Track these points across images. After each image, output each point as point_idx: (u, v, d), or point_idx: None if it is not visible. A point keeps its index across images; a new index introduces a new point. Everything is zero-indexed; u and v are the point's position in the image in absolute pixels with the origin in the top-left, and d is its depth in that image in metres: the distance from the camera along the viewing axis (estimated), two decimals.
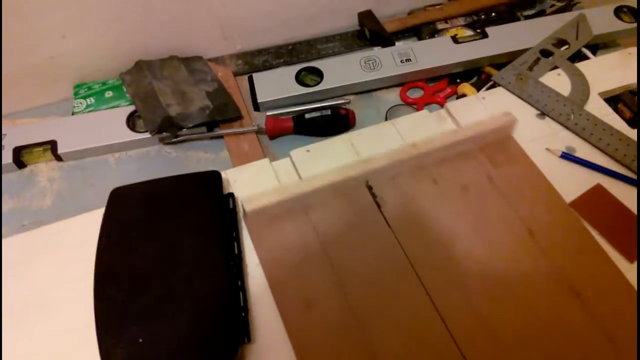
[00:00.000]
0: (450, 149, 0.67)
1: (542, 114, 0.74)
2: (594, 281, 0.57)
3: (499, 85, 0.78)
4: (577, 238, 0.61)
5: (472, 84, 0.82)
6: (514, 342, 0.53)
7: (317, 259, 0.58)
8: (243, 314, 0.53)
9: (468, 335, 0.54)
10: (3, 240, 0.61)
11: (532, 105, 0.74)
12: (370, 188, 0.64)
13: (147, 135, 0.75)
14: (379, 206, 0.63)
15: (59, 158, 0.74)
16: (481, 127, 0.69)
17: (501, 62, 0.84)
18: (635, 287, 0.57)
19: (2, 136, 0.74)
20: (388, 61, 0.83)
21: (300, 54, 0.90)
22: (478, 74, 0.85)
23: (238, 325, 0.51)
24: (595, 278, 0.58)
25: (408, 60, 0.83)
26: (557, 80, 0.78)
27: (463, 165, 0.67)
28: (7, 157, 0.72)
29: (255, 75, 0.83)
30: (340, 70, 0.82)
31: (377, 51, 0.85)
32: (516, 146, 0.69)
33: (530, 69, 0.79)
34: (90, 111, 0.78)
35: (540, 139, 0.71)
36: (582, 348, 0.53)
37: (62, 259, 0.59)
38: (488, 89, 0.79)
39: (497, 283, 0.57)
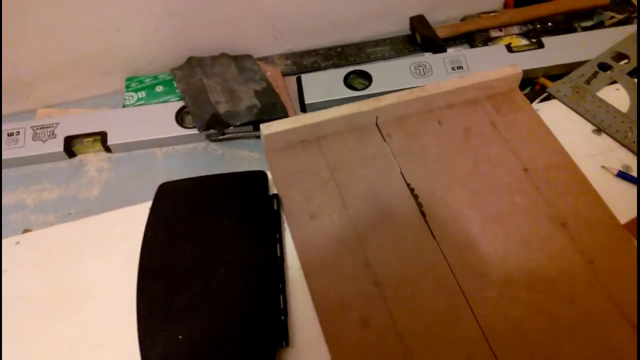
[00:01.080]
0: (456, 94, 0.70)
1: (599, 130, 0.71)
2: (579, 213, 0.61)
3: (554, 98, 0.75)
4: (567, 178, 0.65)
5: (525, 95, 0.79)
6: (499, 262, 0.57)
7: (327, 185, 0.63)
8: (282, 317, 0.52)
9: (459, 256, 0.58)
10: (50, 228, 0.62)
11: (589, 121, 0.72)
12: (378, 127, 0.68)
13: (194, 131, 0.75)
14: (385, 141, 0.67)
15: (108, 149, 0.76)
16: (487, 74, 0.71)
17: (556, 73, 0.82)
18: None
19: (55, 125, 0.75)
20: (439, 68, 0.81)
21: (350, 56, 0.89)
22: (532, 85, 0.83)
23: (277, 329, 0.51)
24: (581, 211, 0.61)
25: (460, 67, 0.81)
26: (616, 96, 0.75)
27: (468, 110, 0.71)
28: (58, 146, 0.74)
29: (303, 76, 0.83)
30: (390, 75, 0.81)
31: (427, 57, 0.84)
32: (521, 98, 0.73)
33: (588, 82, 0.76)
34: (141, 104, 0.79)
35: (595, 155, 0.68)
36: (565, 273, 0.57)
37: (106, 250, 0.60)
38: (541, 101, 0.77)
39: (491, 214, 0.61)
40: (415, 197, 0.62)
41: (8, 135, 0.75)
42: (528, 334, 0.52)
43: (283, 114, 0.77)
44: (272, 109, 0.77)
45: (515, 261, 0.57)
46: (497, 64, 0.80)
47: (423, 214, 0.61)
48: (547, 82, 0.81)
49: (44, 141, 0.74)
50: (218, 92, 0.77)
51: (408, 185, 0.63)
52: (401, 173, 0.64)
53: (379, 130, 0.69)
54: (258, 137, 0.77)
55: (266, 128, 0.64)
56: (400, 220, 0.60)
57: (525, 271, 0.56)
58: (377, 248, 0.58)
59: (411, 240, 0.59)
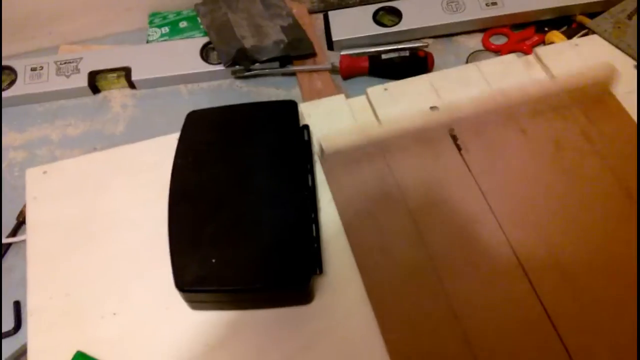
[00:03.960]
0: (542, 100, 0.62)
1: None
2: None
3: (593, 33, 0.72)
4: None
5: (562, 33, 0.76)
6: (608, 307, 0.49)
7: (394, 205, 0.55)
8: (315, 245, 0.51)
9: (555, 294, 0.50)
10: (77, 158, 0.62)
11: (630, 56, 0.69)
12: (454, 138, 0.60)
13: (220, 67, 0.73)
14: (462, 156, 0.59)
15: (132, 85, 0.74)
16: (578, 78, 0.63)
17: (595, 10, 0.78)
18: None
19: (79, 60, 0.74)
20: (472, 3, 0.78)
21: None
22: (568, 23, 0.79)
23: (310, 256, 0.50)
24: None
25: (494, 3, 0.78)
26: None
27: (555, 118, 0.61)
28: (82, 81, 0.73)
29: (330, 13, 0.80)
30: (420, 11, 0.78)
31: None
32: (616, 103, 0.63)
33: (630, 17, 0.73)
34: (165, 40, 0.77)
35: (637, 91, 0.65)
36: None
37: (134, 180, 0.59)
38: (581, 37, 0.74)
39: (590, 247, 0.52)
40: (496, 218, 0.54)
41: (32, 69, 0.73)
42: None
43: (310, 50, 0.75)
44: (299, 44, 0.75)
45: (628, 311, 0.49)
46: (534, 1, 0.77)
47: (501, 229, 0.54)
48: (585, 19, 0.77)
49: (68, 76, 0.73)
50: (244, 27, 0.75)
51: (488, 204, 0.55)
52: (484, 197, 0.56)
53: (454, 142, 0.60)
54: (284, 74, 0.75)
55: (325, 140, 0.57)
56: (483, 252, 0.53)
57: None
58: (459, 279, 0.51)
59: (497, 272, 0.51)
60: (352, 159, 0.59)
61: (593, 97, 0.64)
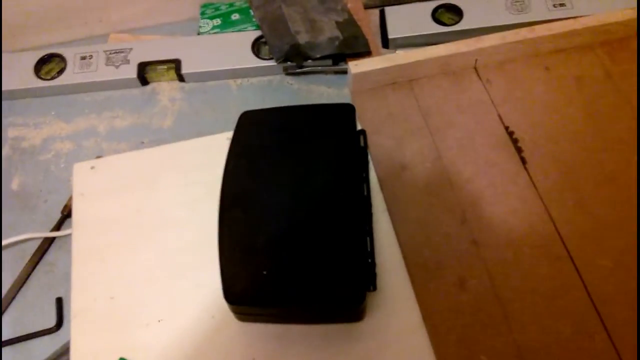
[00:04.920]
0: (568, 38, 0.63)
1: None
2: None
3: None
4: None
5: None
6: (616, 227, 0.52)
7: (419, 132, 0.58)
8: (370, 260, 0.49)
9: (568, 217, 0.52)
10: (126, 154, 0.60)
11: None
12: (478, 69, 0.63)
13: (271, 62, 0.71)
14: (485, 87, 0.61)
15: (181, 78, 0.72)
16: (603, 18, 0.63)
17: None
18: None
19: (128, 50, 0.73)
20: (538, 3, 0.73)
21: None
22: None
23: (365, 271, 0.47)
24: None
25: (562, 5, 0.73)
26: None
27: (579, 57, 0.64)
28: (132, 72, 0.71)
29: (387, 9, 0.77)
30: (483, 10, 0.74)
31: None
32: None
33: None
34: (216, 32, 0.75)
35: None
36: None
37: (183, 179, 0.57)
38: None
39: (606, 174, 0.55)
40: (517, 147, 0.56)
41: (81, 58, 0.72)
42: None
43: (366, 48, 0.72)
44: (355, 42, 0.72)
45: (634, 227, 0.51)
46: (607, 3, 0.72)
47: (523, 161, 0.55)
48: None
49: (117, 67, 0.72)
50: (298, 21, 0.72)
51: (510, 134, 0.57)
52: (502, 122, 0.58)
53: (478, 75, 0.62)
54: (337, 72, 0.72)
55: (355, 67, 0.59)
56: (500, 173, 0.55)
57: None
58: (475, 204, 0.53)
59: (512, 196, 0.53)
60: (379, 84, 0.62)
61: (618, 38, 0.65)
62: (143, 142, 0.68)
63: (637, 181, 0.52)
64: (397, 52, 0.62)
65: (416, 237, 0.52)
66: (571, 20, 0.62)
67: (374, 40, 0.75)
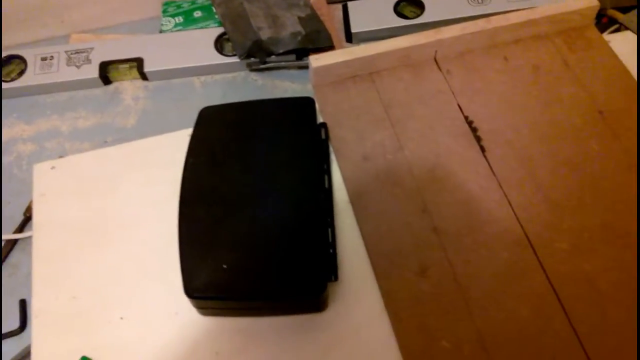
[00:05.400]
0: (525, 27, 0.64)
1: None
2: None
3: (626, 29, 0.69)
4: None
5: None
6: (572, 210, 0.52)
7: (381, 124, 0.58)
8: (331, 251, 0.49)
9: (526, 203, 0.53)
10: (87, 153, 0.60)
11: None
12: (437, 62, 0.63)
13: (235, 59, 0.71)
14: (445, 77, 0.62)
15: (144, 77, 0.72)
16: (559, 6, 0.64)
17: (626, 5, 0.74)
18: None
19: (90, 50, 0.72)
20: None
21: None
22: (598, 17, 0.76)
23: (326, 262, 0.48)
24: None
25: None
26: None
27: (537, 46, 0.64)
28: (93, 72, 0.71)
29: (350, 4, 0.77)
30: (444, 2, 0.75)
31: None
32: (596, 34, 0.65)
33: None
34: (178, 30, 0.75)
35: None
36: None
37: (146, 177, 0.57)
38: (612, 32, 0.70)
39: (563, 159, 0.55)
40: (477, 136, 0.57)
41: (42, 59, 0.72)
42: (603, 290, 0.48)
43: (328, 42, 0.72)
44: (317, 36, 0.72)
45: (590, 211, 0.52)
46: None
47: (482, 149, 0.56)
48: (617, 14, 0.74)
49: (79, 67, 0.71)
50: (260, 17, 0.72)
51: (469, 123, 0.58)
52: (461, 112, 0.59)
53: (438, 66, 0.63)
54: (301, 67, 0.73)
55: (315, 60, 0.59)
56: (459, 162, 0.56)
57: (601, 222, 0.51)
58: (435, 192, 0.54)
59: (471, 183, 0.54)
60: (340, 78, 0.61)
61: (575, 27, 0.65)
62: (106, 142, 0.68)
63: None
64: (359, 45, 0.62)
65: (378, 227, 0.52)
66: (528, 10, 0.63)
67: (338, 35, 0.76)
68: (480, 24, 0.62)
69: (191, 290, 0.44)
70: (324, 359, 0.46)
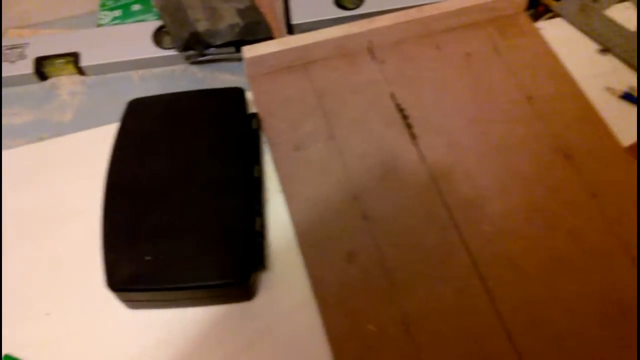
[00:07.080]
0: (457, 16, 0.65)
1: (605, 50, 0.66)
2: (584, 145, 0.56)
3: (558, 16, 0.70)
4: (577, 109, 0.59)
5: (529, 16, 0.74)
6: (497, 194, 0.54)
7: (313, 113, 0.59)
8: (259, 240, 0.49)
9: (454, 188, 0.54)
10: (20, 148, 0.59)
11: (594, 40, 0.67)
12: (371, 51, 0.64)
13: (173, 52, 0.70)
14: (379, 67, 0.63)
15: (81, 72, 0.71)
16: None
17: None
18: None
19: (25, 45, 0.71)
20: None
21: None
22: (534, 5, 0.77)
23: (252, 250, 0.48)
24: (587, 142, 0.57)
25: None
26: (625, 15, 0.70)
27: (470, 35, 0.66)
28: (28, 67, 0.69)
29: None
30: None
31: None
32: (527, 22, 0.67)
33: (595, 0, 0.71)
34: (116, 24, 0.74)
35: (600, 76, 0.64)
36: (568, 207, 0.53)
37: (80, 171, 0.56)
38: (547, 20, 0.72)
39: (491, 144, 0.57)
40: (408, 123, 0.58)
41: None
42: (525, 270, 0.49)
43: (267, 34, 0.72)
44: (256, 28, 0.72)
45: (515, 194, 0.53)
46: None
47: (413, 136, 0.57)
48: (551, 2, 0.75)
49: (13, 62, 0.70)
50: (198, 9, 0.71)
51: (401, 111, 0.58)
52: (393, 100, 0.59)
53: (372, 55, 0.63)
54: (241, 59, 0.72)
55: (248, 51, 0.60)
56: (390, 150, 0.56)
57: (525, 204, 0.53)
58: (366, 179, 0.54)
59: (402, 170, 0.55)
60: (274, 68, 0.62)
61: (507, 15, 0.67)
62: (42, 138, 0.66)
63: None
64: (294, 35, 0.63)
65: (308, 215, 0.53)
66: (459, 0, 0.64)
67: (279, 27, 0.76)
68: (411, 13, 0.63)
69: (112, 283, 0.44)
70: (250, 347, 0.47)
